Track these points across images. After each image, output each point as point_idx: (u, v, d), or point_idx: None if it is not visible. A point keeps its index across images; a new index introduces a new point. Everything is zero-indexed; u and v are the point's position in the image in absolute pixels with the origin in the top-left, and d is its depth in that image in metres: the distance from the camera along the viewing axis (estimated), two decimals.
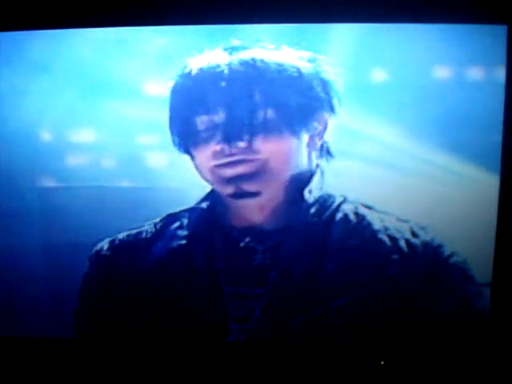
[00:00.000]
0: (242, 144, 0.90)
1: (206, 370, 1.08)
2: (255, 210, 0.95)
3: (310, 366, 1.11)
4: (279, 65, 0.91)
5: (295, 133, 0.91)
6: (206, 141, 0.92)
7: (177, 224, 1.00)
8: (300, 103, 0.91)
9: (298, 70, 0.92)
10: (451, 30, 1.02)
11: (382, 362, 1.14)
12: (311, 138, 0.93)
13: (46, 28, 1.05)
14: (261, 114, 0.91)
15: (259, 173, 0.91)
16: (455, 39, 1.02)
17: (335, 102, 0.95)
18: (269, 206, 0.95)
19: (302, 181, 0.95)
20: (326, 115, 0.94)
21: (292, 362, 1.10)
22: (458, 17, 1.01)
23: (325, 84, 0.94)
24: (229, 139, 0.89)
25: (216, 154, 0.91)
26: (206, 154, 0.93)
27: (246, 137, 0.90)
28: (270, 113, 0.91)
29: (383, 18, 1.02)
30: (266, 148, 0.90)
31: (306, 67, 0.93)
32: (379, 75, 1.02)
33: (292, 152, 0.92)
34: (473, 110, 1.02)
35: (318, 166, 0.96)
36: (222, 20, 1.00)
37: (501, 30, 1.00)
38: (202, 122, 0.92)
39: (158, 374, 1.11)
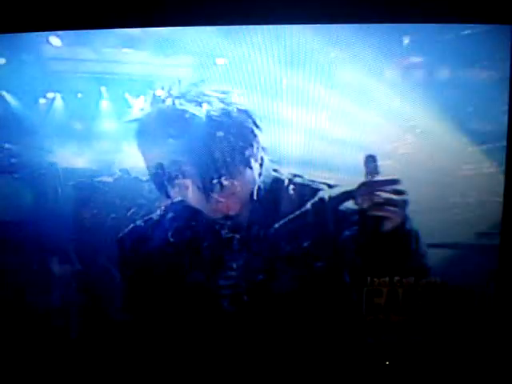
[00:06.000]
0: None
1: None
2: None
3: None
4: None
5: (249, 165, 1.13)
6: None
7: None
8: (238, 143, 1.11)
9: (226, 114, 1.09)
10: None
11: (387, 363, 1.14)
12: (255, 160, 1.14)
13: None
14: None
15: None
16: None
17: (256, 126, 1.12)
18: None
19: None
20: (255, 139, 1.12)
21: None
22: (463, 16, 1.02)
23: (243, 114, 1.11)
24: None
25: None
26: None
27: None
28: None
29: (388, 18, 1.04)
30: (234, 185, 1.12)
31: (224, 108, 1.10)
32: None
33: (250, 178, 1.14)
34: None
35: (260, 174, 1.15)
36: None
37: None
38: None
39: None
